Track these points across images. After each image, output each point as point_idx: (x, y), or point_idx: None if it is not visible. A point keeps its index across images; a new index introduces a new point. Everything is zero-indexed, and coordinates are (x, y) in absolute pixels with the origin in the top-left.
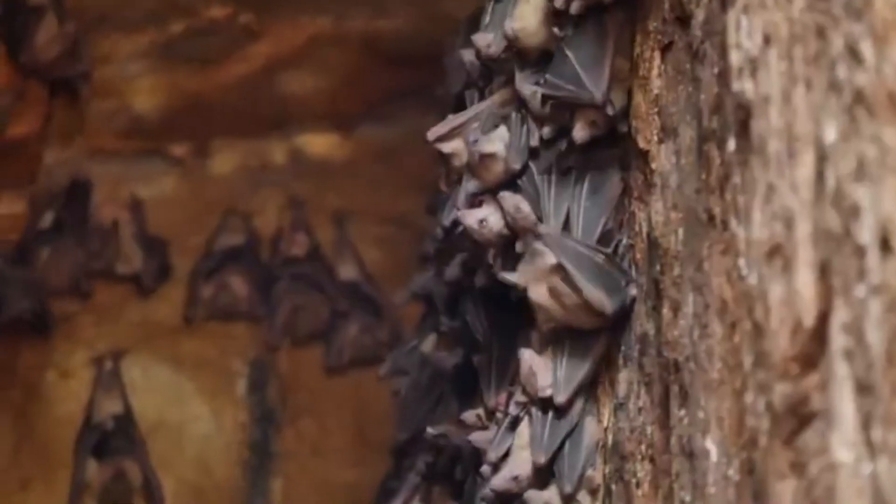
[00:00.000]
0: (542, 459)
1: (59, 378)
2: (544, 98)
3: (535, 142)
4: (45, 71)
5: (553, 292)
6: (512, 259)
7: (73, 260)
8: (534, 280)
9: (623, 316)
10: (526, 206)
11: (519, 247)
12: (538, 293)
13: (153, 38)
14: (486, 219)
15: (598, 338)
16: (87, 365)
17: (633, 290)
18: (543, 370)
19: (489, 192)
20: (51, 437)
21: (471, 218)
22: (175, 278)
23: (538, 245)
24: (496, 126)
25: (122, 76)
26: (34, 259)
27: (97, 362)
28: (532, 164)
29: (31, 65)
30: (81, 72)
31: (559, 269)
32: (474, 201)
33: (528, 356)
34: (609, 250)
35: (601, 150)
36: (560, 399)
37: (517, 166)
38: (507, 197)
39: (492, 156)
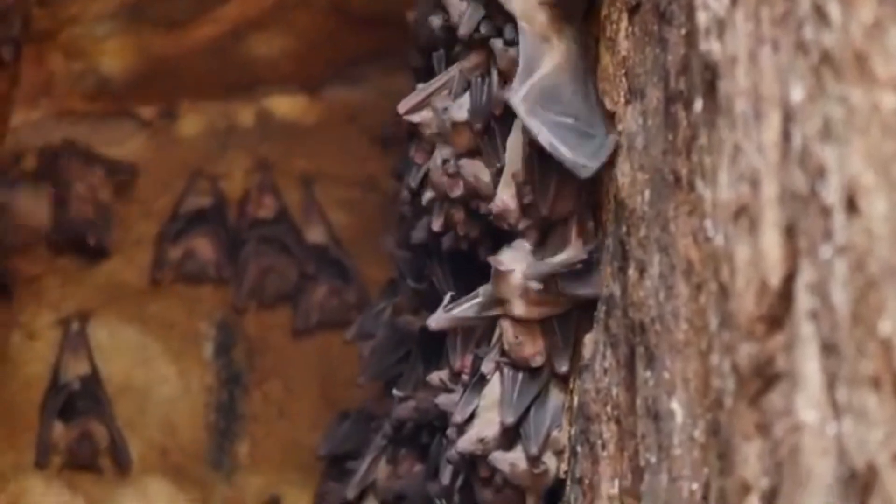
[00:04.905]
0: (511, 419)
1: (25, 339)
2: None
3: (498, 103)
4: None
5: (531, 300)
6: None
7: (35, 224)
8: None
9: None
10: (486, 176)
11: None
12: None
13: (121, 0)
14: None
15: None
16: (53, 326)
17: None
18: (529, 339)
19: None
20: (17, 398)
21: None
22: (142, 240)
23: (501, 268)
24: (465, 91)
25: (90, 38)
26: None
27: (64, 324)
28: (495, 126)
29: None
30: (8, 37)
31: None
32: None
33: (508, 323)
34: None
35: None
36: (565, 369)
37: (479, 125)
38: (466, 165)
39: (464, 122)
